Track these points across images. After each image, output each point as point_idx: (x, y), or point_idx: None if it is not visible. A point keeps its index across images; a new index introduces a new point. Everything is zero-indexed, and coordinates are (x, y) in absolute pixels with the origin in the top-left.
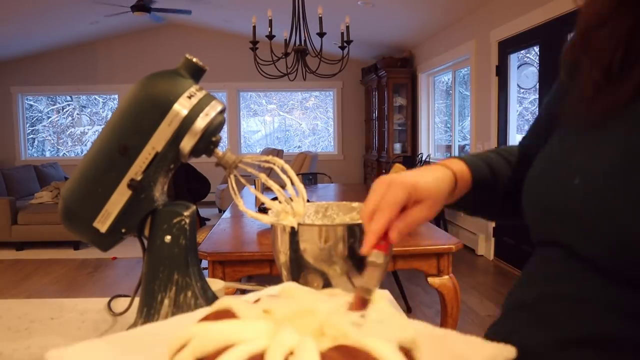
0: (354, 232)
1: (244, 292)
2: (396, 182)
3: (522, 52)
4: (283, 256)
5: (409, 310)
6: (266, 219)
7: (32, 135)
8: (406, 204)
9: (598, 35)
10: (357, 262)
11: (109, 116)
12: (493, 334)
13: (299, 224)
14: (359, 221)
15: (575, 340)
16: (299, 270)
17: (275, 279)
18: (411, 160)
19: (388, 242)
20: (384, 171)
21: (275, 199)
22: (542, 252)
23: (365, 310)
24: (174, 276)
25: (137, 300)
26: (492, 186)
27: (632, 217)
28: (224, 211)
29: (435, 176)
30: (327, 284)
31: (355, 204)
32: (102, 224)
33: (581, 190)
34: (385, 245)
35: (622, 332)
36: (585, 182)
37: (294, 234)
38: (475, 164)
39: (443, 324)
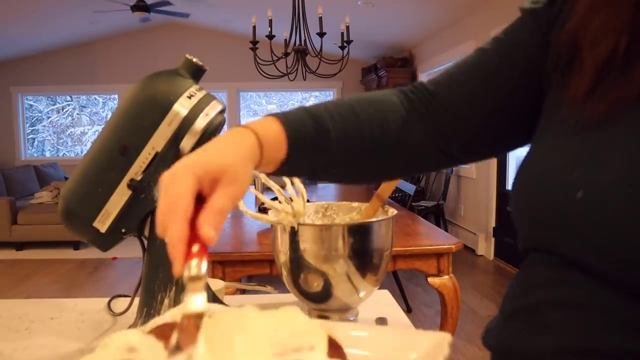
0: (354, 232)
1: (244, 292)
2: (178, 171)
3: None
4: (283, 256)
5: (409, 311)
6: (266, 219)
7: (32, 135)
8: (203, 190)
9: (599, 20)
10: (357, 262)
11: (109, 116)
12: (492, 338)
13: (299, 224)
14: (359, 221)
15: (582, 350)
16: (299, 270)
17: (276, 279)
18: None
19: (202, 244)
20: None
21: (275, 198)
22: (538, 258)
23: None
24: (173, 276)
25: (137, 300)
26: (320, 147)
27: None
28: None
29: (227, 146)
30: (327, 283)
31: (355, 204)
32: (102, 224)
33: (585, 204)
34: (200, 251)
35: (632, 346)
36: (590, 196)
37: (294, 234)
38: (293, 123)
39: (443, 324)
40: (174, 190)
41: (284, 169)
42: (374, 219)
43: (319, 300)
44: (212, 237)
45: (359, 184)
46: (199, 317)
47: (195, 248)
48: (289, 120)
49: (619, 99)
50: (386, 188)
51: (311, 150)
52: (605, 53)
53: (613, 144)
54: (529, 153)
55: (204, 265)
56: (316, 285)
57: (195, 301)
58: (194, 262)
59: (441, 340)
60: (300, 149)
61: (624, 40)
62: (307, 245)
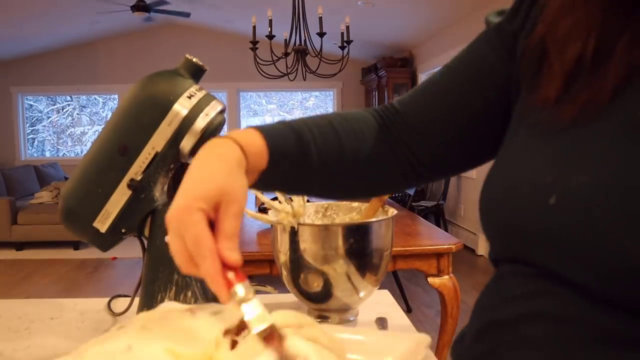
0: (354, 232)
1: None
2: (183, 211)
3: None
4: (283, 256)
5: (409, 311)
6: (266, 219)
7: (32, 135)
8: (210, 217)
9: (567, 22)
10: (357, 262)
11: (109, 116)
12: (463, 353)
13: (298, 224)
14: (359, 221)
15: None
16: (299, 270)
17: (276, 279)
18: None
19: (236, 268)
20: None
21: (275, 199)
22: (513, 270)
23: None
24: (173, 276)
25: (137, 300)
26: (300, 159)
27: (626, 240)
28: None
29: (216, 165)
30: (327, 283)
31: (355, 204)
32: (102, 224)
33: (559, 211)
34: (237, 275)
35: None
36: (563, 201)
37: (294, 234)
38: (274, 134)
39: (443, 324)
40: (190, 231)
41: (262, 180)
42: (373, 219)
43: (319, 301)
44: (237, 259)
45: (334, 199)
46: (273, 329)
47: (231, 274)
48: (270, 132)
49: (591, 101)
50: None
51: (292, 162)
52: (573, 55)
53: (586, 147)
54: (498, 158)
55: (247, 286)
56: (316, 285)
57: (258, 320)
58: (238, 286)
59: (418, 342)
60: (281, 160)
61: (592, 43)
62: (307, 245)
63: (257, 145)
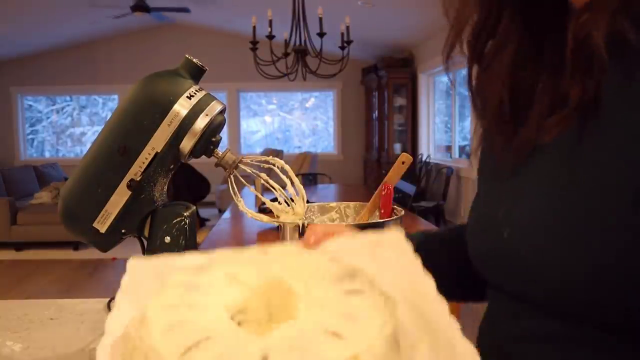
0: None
1: None
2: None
3: None
4: None
5: None
6: (267, 219)
7: (31, 136)
8: None
9: (486, 79)
10: None
11: (109, 116)
12: None
13: (308, 224)
14: (370, 222)
15: None
16: None
17: None
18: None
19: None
20: (384, 172)
21: (275, 199)
22: (495, 295)
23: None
24: None
25: None
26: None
27: (565, 256)
28: (224, 211)
29: None
30: None
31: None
32: (102, 224)
33: (512, 242)
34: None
35: None
36: (514, 233)
37: (303, 233)
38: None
39: None
40: None
41: None
42: (384, 219)
43: None
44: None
45: None
46: None
47: None
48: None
49: (516, 160)
50: (392, 176)
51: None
52: (495, 115)
53: (523, 187)
54: (475, 198)
55: None
56: None
57: None
58: None
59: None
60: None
61: (507, 98)
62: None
63: None
